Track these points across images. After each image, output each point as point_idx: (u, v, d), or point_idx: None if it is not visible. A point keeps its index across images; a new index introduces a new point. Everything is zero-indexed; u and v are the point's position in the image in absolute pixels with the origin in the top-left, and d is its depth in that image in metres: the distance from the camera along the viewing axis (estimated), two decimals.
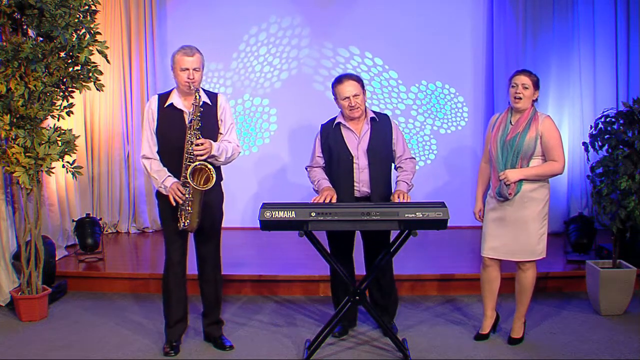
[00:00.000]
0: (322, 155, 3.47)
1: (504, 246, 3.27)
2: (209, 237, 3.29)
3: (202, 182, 3.03)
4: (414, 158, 3.50)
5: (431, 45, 5.64)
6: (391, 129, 3.43)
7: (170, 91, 3.22)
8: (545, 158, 3.21)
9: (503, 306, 3.77)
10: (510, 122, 3.25)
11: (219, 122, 3.22)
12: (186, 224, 3.09)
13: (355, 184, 3.35)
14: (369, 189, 3.35)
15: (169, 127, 3.14)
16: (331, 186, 3.37)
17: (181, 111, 3.14)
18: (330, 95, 3.47)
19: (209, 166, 3.03)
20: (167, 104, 3.15)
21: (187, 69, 3.07)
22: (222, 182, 3.34)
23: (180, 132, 3.09)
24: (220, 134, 3.21)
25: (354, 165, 3.35)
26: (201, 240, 3.29)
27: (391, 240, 3.41)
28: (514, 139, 3.18)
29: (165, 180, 3.10)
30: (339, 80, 3.35)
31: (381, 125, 3.41)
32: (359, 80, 3.35)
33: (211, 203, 3.20)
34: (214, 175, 3.02)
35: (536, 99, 3.26)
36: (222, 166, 3.30)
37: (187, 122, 3.10)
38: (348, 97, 3.29)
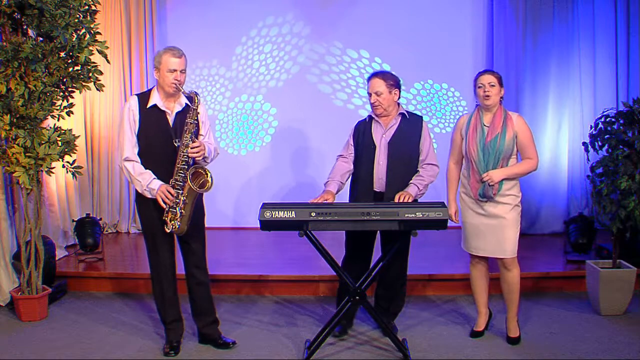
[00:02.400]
0: (353, 143, 3.49)
1: (484, 245, 3.29)
2: (197, 237, 3.26)
3: (198, 186, 3.05)
4: (437, 165, 3.42)
5: (430, 46, 5.64)
6: (420, 129, 3.41)
7: (149, 91, 3.16)
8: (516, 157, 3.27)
9: (494, 305, 3.78)
10: (484, 124, 3.26)
11: (200, 124, 3.20)
12: (175, 227, 3.07)
13: (374, 176, 3.35)
14: (385, 185, 3.34)
15: (153, 128, 3.10)
16: (333, 191, 3.37)
17: (164, 112, 3.11)
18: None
19: (207, 171, 3.05)
20: (149, 105, 3.10)
21: (175, 70, 3.04)
22: None
23: (164, 134, 3.08)
24: (201, 135, 3.19)
25: (375, 156, 3.35)
26: (189, 240, 3.24)
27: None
28: (495, 140, 3.20)
29: (151, 183, 3.05)
30: (370, 76, 3.41)
31: (410, 123, 3.40)
32: (386, 78, 3.34)
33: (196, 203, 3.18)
34: (210, 179, 3.04)
35: (502, 97, 3.28)
36: None
37: (170, 123, 3.10)
38: (371, 94, 3.35)
